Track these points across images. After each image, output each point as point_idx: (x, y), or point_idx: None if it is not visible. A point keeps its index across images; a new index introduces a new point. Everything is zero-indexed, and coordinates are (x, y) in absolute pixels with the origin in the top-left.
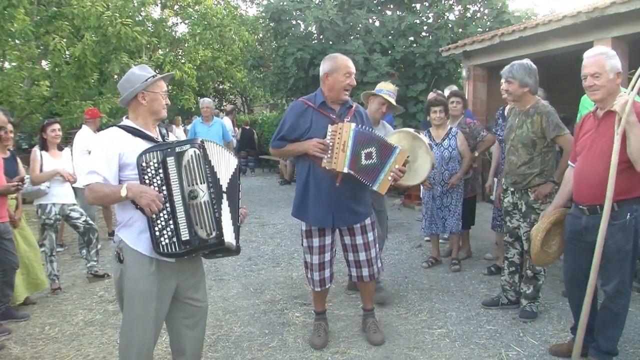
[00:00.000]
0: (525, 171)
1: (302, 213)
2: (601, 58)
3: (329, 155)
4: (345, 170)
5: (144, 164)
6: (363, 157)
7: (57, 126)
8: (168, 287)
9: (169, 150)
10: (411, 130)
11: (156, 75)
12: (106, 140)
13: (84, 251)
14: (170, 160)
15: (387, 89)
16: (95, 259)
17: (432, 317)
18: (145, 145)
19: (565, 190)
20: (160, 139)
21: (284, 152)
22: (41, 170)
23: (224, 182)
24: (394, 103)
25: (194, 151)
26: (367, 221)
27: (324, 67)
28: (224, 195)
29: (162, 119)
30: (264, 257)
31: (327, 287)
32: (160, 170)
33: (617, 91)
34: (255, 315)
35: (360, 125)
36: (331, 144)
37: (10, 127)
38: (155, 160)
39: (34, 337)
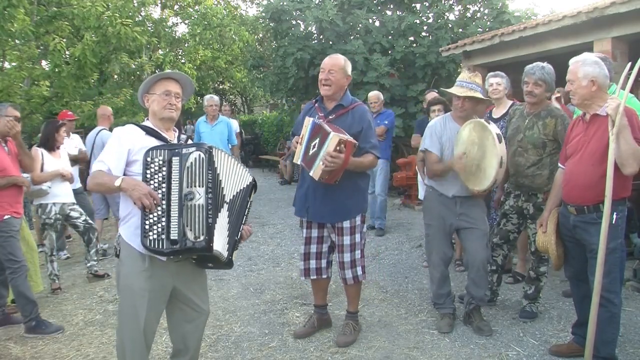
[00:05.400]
0: (535, 172)
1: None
2: (576, 65)
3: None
4: (299, 162)
5: (148, 159)
6: (311, 148)
7: (65, 127)
8: (163, 287)
9: (176, 150)
10: (482, 120)
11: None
12: (120, 135)
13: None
14: (175, 160)
15: (459, 80)
16: (95, 258)
17: (432, 317)
18: (156, 144)
19: (557, 194)
20: (174, 142)
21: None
22: (42, 170)
23: (229, 193)
24: (458, 94)
25: (199, 154)
26: (346, 224)
27: None
28: (225, 206)
29: (166, 120)
30: (264, 257)
31: (311, 277)
32: (164, 168)
33: (594, 97)
34: (255, 315)
35: (325, 121)
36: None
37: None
38: (160, 158)
39: (34, 337)
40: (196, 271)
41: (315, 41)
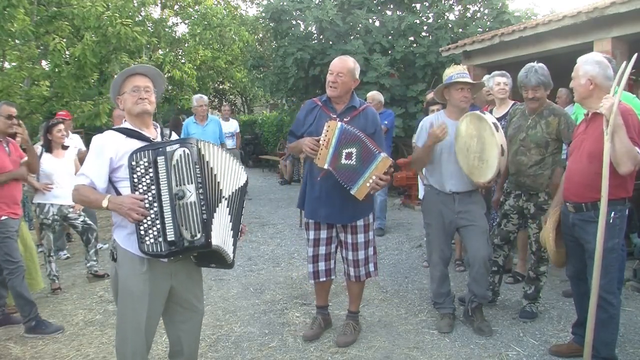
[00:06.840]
0: (537, 172)
1: (303, 205)
2: (580, 63)
3: (318, 152)
4: (326, 166)
5: (133, 163)
6: (343, 156)
7: (61, 125)
8: (161, 288)
9: (160, 149)
10: (476, 112)
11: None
12: (100, 143)
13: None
14: (161, 160)
15: (456, 72)
16: (95, 258)
17: (432, 317)
18: (140, 145)
19: (563, 190)
20: (158, 139)
21: (292, 148)
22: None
23: (227, 189)
24: (471, 80)
25: (183, 151)
26: (360, 222)
27: None
28: (224, 201)
29: (142, 115)
30: (264, 257)
31: (320, 280)
32: (151, 170)
33: (591, 96)
34: (255, 315)
35: (348, 125)
36: (322, 141)
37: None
38: (145, 160)
39: (34, 337)
40: (192, 270)
41: (315, 41)
